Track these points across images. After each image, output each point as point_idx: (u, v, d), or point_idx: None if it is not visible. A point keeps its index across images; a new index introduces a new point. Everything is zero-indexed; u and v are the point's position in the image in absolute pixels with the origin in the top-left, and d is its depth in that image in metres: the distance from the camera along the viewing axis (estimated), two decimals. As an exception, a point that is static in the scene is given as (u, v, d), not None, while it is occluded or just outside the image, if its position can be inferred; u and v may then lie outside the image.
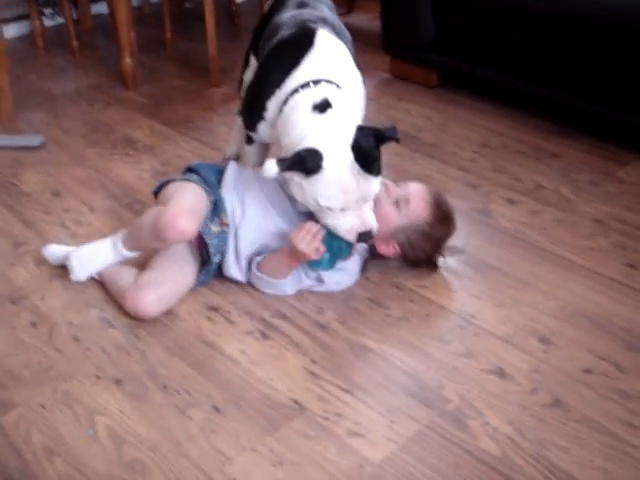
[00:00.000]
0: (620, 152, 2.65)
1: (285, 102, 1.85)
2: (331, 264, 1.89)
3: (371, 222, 1.81)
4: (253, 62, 2.31)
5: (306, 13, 2.03)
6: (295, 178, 1.75)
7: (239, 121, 2.52)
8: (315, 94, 1.80)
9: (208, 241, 1.91)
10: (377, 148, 1.77)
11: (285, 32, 1.96)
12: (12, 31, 3.84)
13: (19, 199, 2.44)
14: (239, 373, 1.73)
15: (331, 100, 1.79)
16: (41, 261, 2.10)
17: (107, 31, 3.92)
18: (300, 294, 1.97)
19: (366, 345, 1.81)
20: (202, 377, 1.72)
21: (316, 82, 1.83)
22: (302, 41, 1.90)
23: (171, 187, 2.01)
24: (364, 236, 1.82)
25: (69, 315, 1.92)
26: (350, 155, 1.72)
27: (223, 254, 1.96)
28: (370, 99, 3.08)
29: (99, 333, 1.86)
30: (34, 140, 2.77)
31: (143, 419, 1.61)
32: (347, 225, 1.79)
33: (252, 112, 1.99)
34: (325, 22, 1.99)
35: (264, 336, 1.84)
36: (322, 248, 1.82)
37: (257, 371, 1.73)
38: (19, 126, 2.96)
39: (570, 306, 1.92)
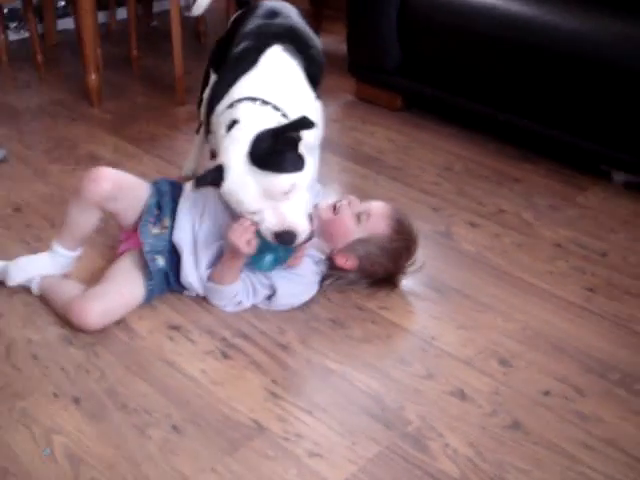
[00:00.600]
0: (580, 177, 2.70)
1: (215, 121, 1.94)
2: (272, 266, 1.89)
3: (291, 223, 1.77)
4: (213, 78, 2.29)
5: (275, 25, 2.05)
6: (215, 192, 1.85)
7: (198, 139, 2.52)
8: (231, 114, 1.85)
9: (143, 240, 1.94)
10: (281, 143, 1.76)
11: (242, 45, 1.99)
12: (-25, 44, 3.79)
13: (-21, 214, 2.41)
14: (199, 393, 1.72)
15: (242, 118, 1.82)
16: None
17: (72, 47, 3.89)
18: (261, 314, 1.96)
19: (327, 366, 1.81)
20: (162, 396, 1.70)
21: (239, 101, 1.86)
22: (248, 58, 1.94)
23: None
24: (286, 237, 1.78)
25: (28, 332, 1.89)
26: (246, 161, 1.75)
27: (162, 256, 1.96)
28: (335, 121, 3.13)
29: (58, 351, 1.83)
30: (-4, 155, 2.74)
31: (101, 439, 1.59)
32: (266, 225, 1.78)
33: (205, 123, 2.07)
34: (289, 35, 2.01)
35: (225, 356, 1.83)
36: (254, 241, 1.81)
37: (217, 391, 1.72)
38: (-20, 140, 2.92)
39: (530, 329, 1.94)
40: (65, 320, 1.91)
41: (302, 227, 1.79)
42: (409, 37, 3.04)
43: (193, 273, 1.96)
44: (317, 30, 4.20)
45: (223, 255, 1.92)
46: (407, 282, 2.07)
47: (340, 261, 2.00)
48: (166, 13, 3.61)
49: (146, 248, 1.94)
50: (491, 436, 1.61)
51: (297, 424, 1.63)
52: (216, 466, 1.53)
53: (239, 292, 1.94)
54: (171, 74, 3.28)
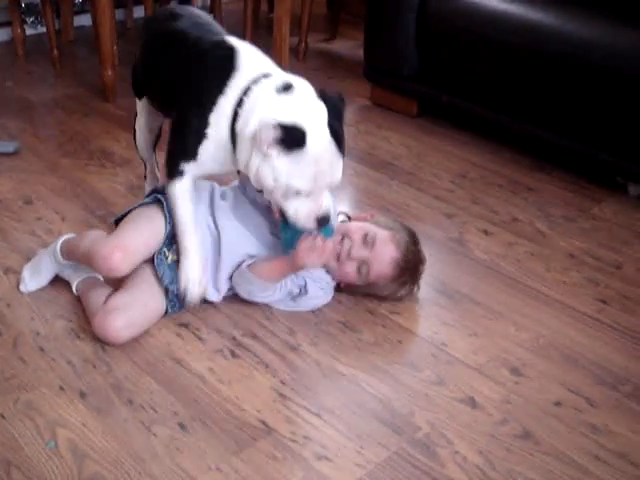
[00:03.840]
0: (595, 189, 2.68)
1: (239, 103, 1.70)
2: (291, 245, 1.81)
3: (327, 206, 1.72)
4: (139, 106, 2.18)
5: (193, 24, 1.91)
6: (274, 154, 1.63)
7: (146, 184, 2.37)
8: (273, 82, 1.70)
9: (160, 272, 1.87)
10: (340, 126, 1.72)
11: (199, 46, 1.81)
12: (-7, 38, 3.81)
13: (-10, 205, 2.41)
14: (207, 391, 1.70)
15: (295, 82, 1.70)
16: (8, 268, 2.06)
17: (88, 43, 3.90)
18: (271, 314, 1.95)
19: (337, 369, 1.79)
20: (169, 394, 1.68)
21: (266, 75, 1.72)
22: (221, 52, 1.77)
23: (131, 214, 1.96)
24: (322, 221, 1.72)
25: (35, 325, 1.88)
26: (328, 134, 1.66)
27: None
28: (350, 125, 3.12)
29: (65, 344, 1.82)
30: (9, 147, 2.73)
31: (106, 434, 1.57)
32: (307, 210, 1.70)
33: (192, 136, 1.76)
34: (210, 23, 1.93)
35: (233, 355, 1.81)
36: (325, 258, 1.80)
37: (225, 390, 1.70)
38: (-6, 132, 2.92)
39: (542, 338, 1.92)
40: (82, 315, 1.90)
41: (331, 209, 1.75)
42: (427, 43, 3.03)
43: (210, 289, 1.93)
44: (334, 35, 4.24)
45: (275, 261, 1.87)
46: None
47: (346, 287, 2.03)
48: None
49: (166, 280, 1.87)
50: (501, 445, 1.59)
51: (305, 426, 1.61)
52: (222, 465, 1.51)
53: (276, 288, 1.91)
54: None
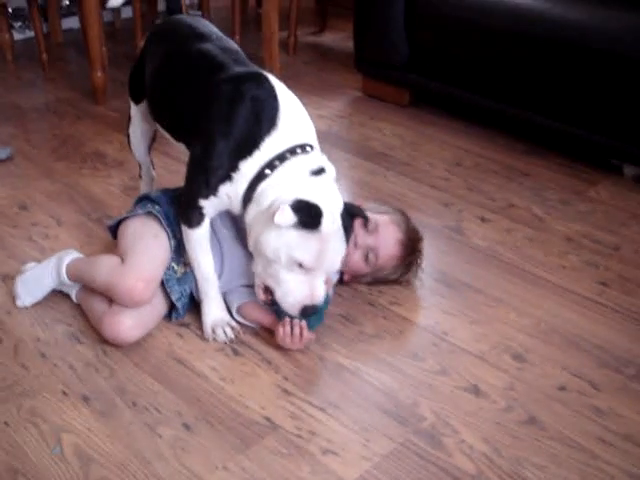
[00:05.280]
0: (590, 172, 2.68)
1: (270, 166, 1.67)
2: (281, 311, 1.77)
3: (319, 297, 1.67)
4: (135, 111, 2.15)
5: (226, 49, 1.87)
6: (284, 225, 1.60)
7: (142, 184, 2.34)
8: (309, 162, 1.68)
9: (169, 289, 1.85)
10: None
11: (235, 81, 1.74)
12: (-20, 44, 3.78)
13: (-15, 213, 2.40)
14: (210, 390, 1.69)
15: (327, 167, 1.71)
16: (7, 275, 2.05)
17: (77, 45, 3.89)
18: (272, 310, 1.94)
19: (339, 362, 1.78)
20: (172, 394, 1.68)
21: (303, 148, 1.69)
22: (262, 95, 1.70)
23: (131, 227, 1.91)
24: (307, 311, 1.67)
25: (36, 331, 1.87)
26: (341, 223, 1.67)
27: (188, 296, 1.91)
28: (342, 117, 3.12)
29: (66, 349, 1.81)
30: (1, 153, 2.72)
31: (111, 437, 1.57)
32: (298, 293, 1.65)
33: (217, 172, 1.70)
34: (242, 57, 1.87)
35: (235, 353, 1.81)
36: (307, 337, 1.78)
37: (228, 388, 1.70)
38: (-14, 139, 2.91)
39: (543, 323, 1.92)
40: (82, 320, 1.90)
41: (322, 301, 1.70)
42: (416, 32, 3.02)
43: None
44: (323, 28, 4.23)
45: (264, 315, 1.86)
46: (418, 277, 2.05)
47: (350, 279, 2.03)
48: (171, 11, 3.60)
49: (174, 297, 1.85)
50: (506, 432, 1.59)
51: (310, 421, 1.61)
52: (228, 464, 1.51)
53: None
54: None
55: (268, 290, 1.70)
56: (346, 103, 3.27)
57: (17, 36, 3.93)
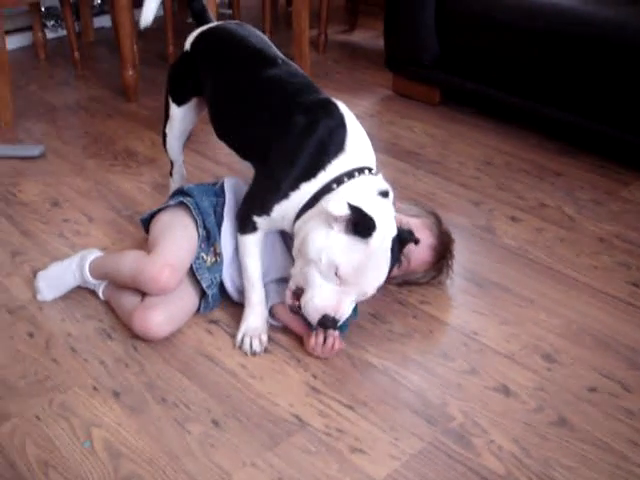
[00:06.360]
0: (623, 172, 2.64)
1: (337, 181, 1.69)
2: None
3: (342, 314, 1.65)
4: (176, 112, 2.17)
5: (295, 74, 1.90)
6: (336, 228, 1.60)
7: (172, 183, 2.35)
8: (376, 182, 1.72)
9: (200, 277, 1.87)
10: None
11: (308, 110, 1.77)
12: (14, 42, 3.82)
13: (18, 209, 2.42)
14: (239, 387, 1.70)
15: (389, 191, 1.72)
16: (38, 271, 2.07)
17: (109, 44, 3.92)
18: (301, 308, 1.94)
19: (368, 361, 1.78)
20: (201, 390, 1.69)
21: (370, 170, 1.73)
22: (332, 124, 1.73)
23: (162, 220, 1.94)
24: (326, 321, 1.64)
25: (67, 326, 1.89)
26: (389, 244, 1.65)
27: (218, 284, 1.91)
28: (372, 116, 3.11)
29: (97, 345, 1.83)
30: (34, 150, 2.75)
31: (141, 432, 1.58)
32: (325, 300, 1.63)
33: (276, 195, 1.73)
34: (313, 85, 1.88)
35: (265, 350, 1.81)
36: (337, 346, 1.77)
37: (257, 385, 1.71)
38: (19, 136, 2.94)
39: (574, 324, 1.90)
40: (112, 316, 1.91)
41: (344, 318, 1.68)
42: (447, 30, 3.00)
43: (229, 287, 1.93)
44: (353, 26, 4.22)
45: (296, 323, 1.83)
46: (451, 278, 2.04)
47: None
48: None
49: (204, 284, 1.87)
50: (536, 432, 1.58)
51: (338, 419, 1.61)
52: (256, 460, 1.51)
53: None
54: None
55: (297, 296, 1.70)
56: (376, 101, 3.26)
57: (50, 35, 3.97)
